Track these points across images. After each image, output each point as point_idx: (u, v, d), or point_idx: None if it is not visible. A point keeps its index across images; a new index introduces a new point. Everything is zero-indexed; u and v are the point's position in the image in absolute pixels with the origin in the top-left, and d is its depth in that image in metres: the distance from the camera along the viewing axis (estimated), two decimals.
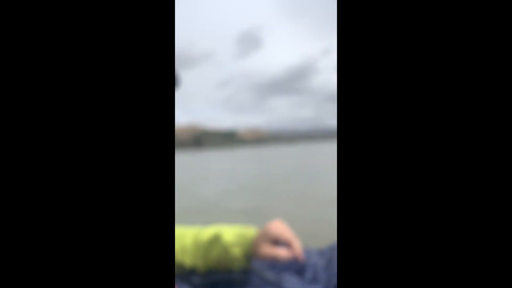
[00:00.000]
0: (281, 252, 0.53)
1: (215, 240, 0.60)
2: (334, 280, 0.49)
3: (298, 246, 0.53)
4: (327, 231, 3.13)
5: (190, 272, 0.62)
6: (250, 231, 0.60)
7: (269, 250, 0.54)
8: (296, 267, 0.54)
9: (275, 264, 0.56)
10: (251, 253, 0.57)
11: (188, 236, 0.64)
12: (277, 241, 0.55)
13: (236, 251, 0.58)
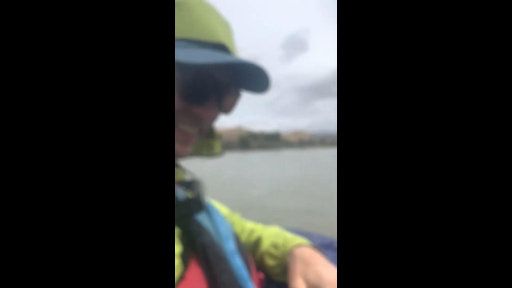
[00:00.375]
0: None
1: (256, 244, 0.62)
2: None
3: None
4: None
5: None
6: (287, 242, 0.56)
7: None
8: None
9: None
10: (285, 269, 0.53)
11: (245, 232, 0.66)
12: None
13: (270, 262, 0.57)
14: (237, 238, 0.53)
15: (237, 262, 0.45)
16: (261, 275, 0.56)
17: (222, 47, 0.46)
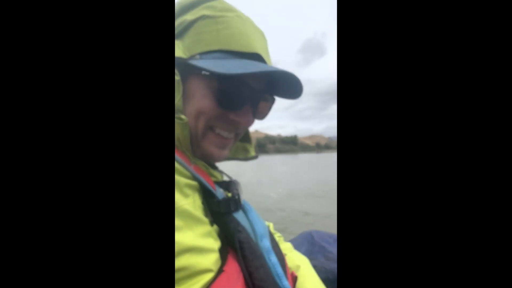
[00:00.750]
0: None
1: None
2: None
3: None
4: None
5: None
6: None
7: None
8: None
9: None
10: None
11: None
12: None
13: None
14: (272, 237, 0.54)
15: (273, 259, 0.45)
16: (294, 274, 0.56)
17: (257, 57, 0.47)
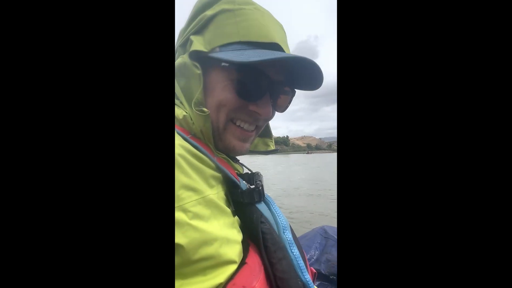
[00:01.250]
0: None
1: None
2: None
3: None
4: None
5: None
6: None
7: None
8: None
9: None
10: None
11: None
12: None
13: None
14: (293, 231, 0.53)
15: (295, 252, 0.44)
16: (313, 270, 0.54)
17: (276, 47, 0.46)
